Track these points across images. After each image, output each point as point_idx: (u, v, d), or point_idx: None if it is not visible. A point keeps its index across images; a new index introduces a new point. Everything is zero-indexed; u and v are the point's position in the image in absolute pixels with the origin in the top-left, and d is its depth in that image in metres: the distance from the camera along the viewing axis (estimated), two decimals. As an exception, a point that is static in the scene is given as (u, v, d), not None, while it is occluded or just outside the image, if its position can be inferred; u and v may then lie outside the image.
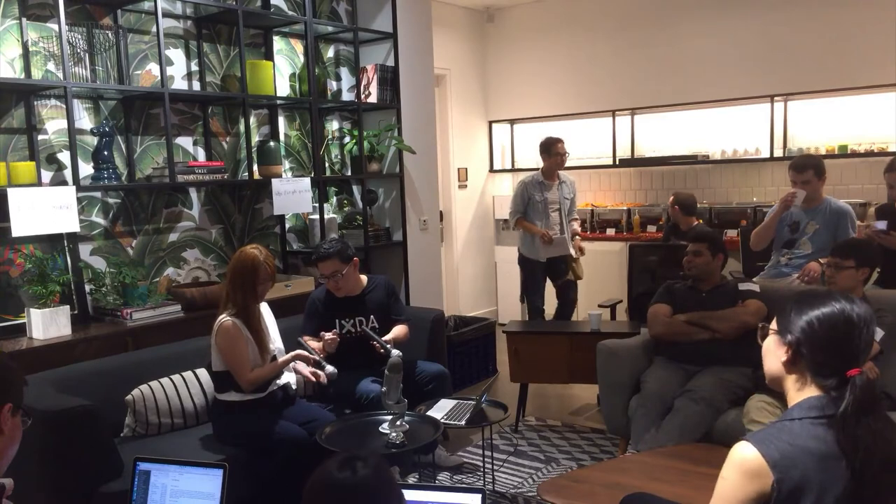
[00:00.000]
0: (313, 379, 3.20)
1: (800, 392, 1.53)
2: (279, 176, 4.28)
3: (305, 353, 3.23)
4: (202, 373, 3.35)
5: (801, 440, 1.43)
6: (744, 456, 1.43)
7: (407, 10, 4.94)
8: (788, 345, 1.53)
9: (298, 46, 4.71)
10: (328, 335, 3.41)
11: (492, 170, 7.36)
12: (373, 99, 4.80)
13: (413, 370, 3.61)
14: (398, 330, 3.64)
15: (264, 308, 3.31)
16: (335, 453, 1.52)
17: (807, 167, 4.00)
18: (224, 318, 3.09)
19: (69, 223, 3.29)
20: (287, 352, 3.29)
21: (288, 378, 3.29)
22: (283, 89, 4.59)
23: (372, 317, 3.65)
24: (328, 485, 1.40)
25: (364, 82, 4.84)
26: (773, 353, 1.58)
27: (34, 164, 3.38)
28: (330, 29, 4.71)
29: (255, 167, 4.29)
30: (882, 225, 3.79)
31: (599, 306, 5.04)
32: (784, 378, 1.56)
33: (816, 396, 1.50)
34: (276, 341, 3.28)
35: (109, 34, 3.67)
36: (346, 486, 1.39)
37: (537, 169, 5.18)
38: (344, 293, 3.64)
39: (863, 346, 1.51)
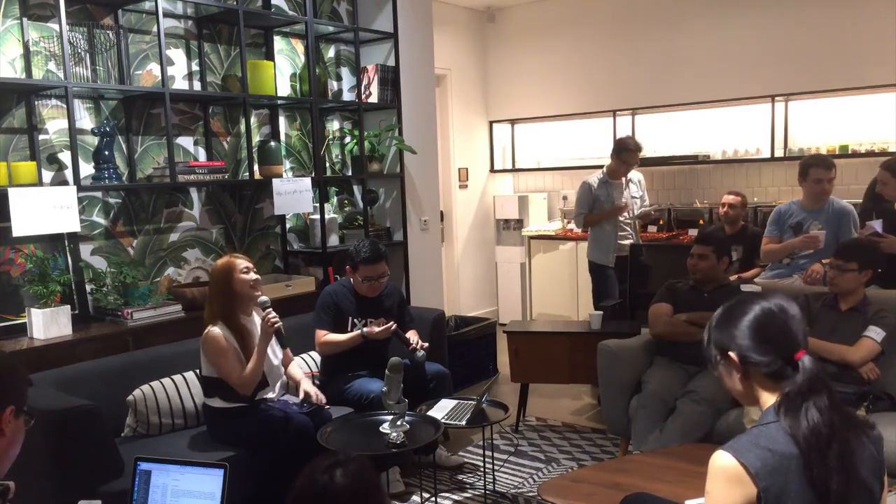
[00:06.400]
0: (313, 397, 3.22)
1: (767, 397, 1.55)
2: (280, 176, 4.28)
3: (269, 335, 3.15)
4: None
5: (780, 444, 1.43)
6: (723, 465, 1.44)
7: (407, 10, 4.94)
8: (734, 361, 1.56)
9: (299, 46, 4.71)
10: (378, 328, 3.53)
11: (492, 170, 7.36)
12: (373, 99, 4.80)
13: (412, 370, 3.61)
14: (415, 333, 3.71)
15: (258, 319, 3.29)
16: (326, 454, 1.52)
17: (833, 166, 3.98)
18: (210, 328, 3.09)
19: (70, 223, 3.29)
20: (287, 357, 3.36)
21: (276, 393, 3.28)
22: (284, 89, 4.60)
23: (382, 319, 3.65)
24: (310, 489, 1.42)
25: (365, 82, 4.84)
26: (729, 375, 1.60)
27: (35, 163, 3.39)
28: (331, 29, 4.71)
29: (256, 167, 4.29)
30: (878, 225, 3.78)
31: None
32: (749, 391, 1.58)
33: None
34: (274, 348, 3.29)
35: (110, 34, 3.67)
36: (326, 492, 1.40)
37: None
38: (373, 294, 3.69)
39: (795, 329, 1.54)
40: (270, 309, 3.13)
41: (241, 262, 3.16)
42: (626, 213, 5.08)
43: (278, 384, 3.28)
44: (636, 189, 5.13)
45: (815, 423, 1.43)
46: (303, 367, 3.71)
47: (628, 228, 5.10)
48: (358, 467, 1.44)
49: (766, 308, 1.56)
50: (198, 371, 3.30)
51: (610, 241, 5.01)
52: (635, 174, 5.20)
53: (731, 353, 1.57)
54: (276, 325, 3.08)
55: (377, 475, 1.51)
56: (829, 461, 1.42)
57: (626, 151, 4.96)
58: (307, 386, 3.32)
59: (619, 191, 5.03)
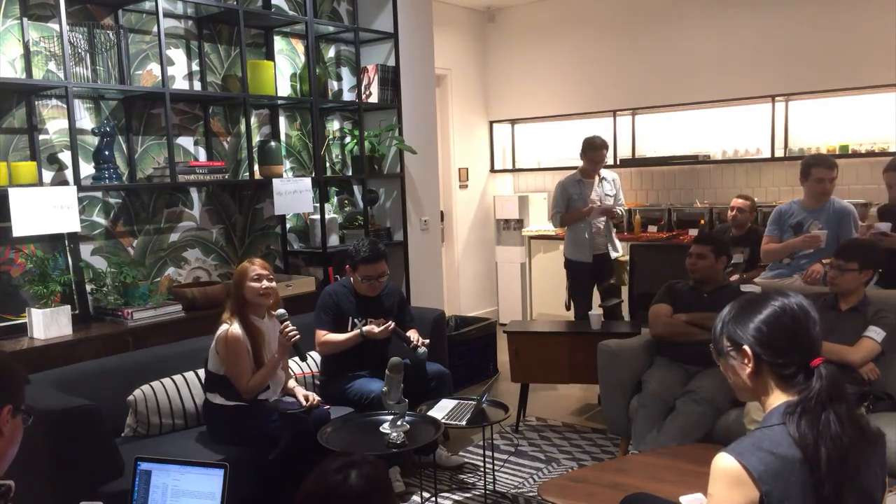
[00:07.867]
0: (304, 402, 3.22)
1: (773, 398, 1.53)
2: (280, 176, 4.28)
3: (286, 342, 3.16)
4: (203, 373, 3.35)
5: (783, 448, 1.42)
6: (725, 467, 1.43)
7: (408, 10, 4.95)
8: (748, 355, 1.53)
9: (299, 46, 4.71)
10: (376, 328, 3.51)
11: (493, 170, 7.36)
12: (373, 99, 4.80)
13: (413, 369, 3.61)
14: (416, 332, 3.69)
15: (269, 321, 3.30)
16: (333, 453, 1.51)
17: (835, 165, 3.98)
18: (230, 327, 3.10)
19: (70, 223, 3.29)
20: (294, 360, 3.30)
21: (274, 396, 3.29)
22: (284, 89, 4.60)
23: (381, 319, 3.65)
24: (321, 489, 1.41)
25: (365, 82, 4.84)
26: (737, 369, 1.57)
27: (35, 164, 3.39)
28: (331, 29, 4.71)
29: (256, 167, 4.29)
30: (885, 227, 3.77)
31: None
32: (754, 388, 1.56)
33: (790, 401, 1.49)
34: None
35: (110, 34, 3.67)
36: (338, 492, 1.40)
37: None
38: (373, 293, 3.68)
39: (815, 334, 1.53)
40: (288, 322, 3.16)
41: (254, 270, 3.17)
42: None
43: (279, 389, 3.29)
44: (609, 187, 5.15)
45: (836, 432, 1.41)
46: (303, 368, 3.72)
47: (600, 226, 5.09)
48: (372, 469, 1.43)
49: (790, 307, 1.52)
50: (200, 371, 3.30)
51: (583, 238, 5.06)
52: (609, 173, 5.22)
53: (746, 347, 1.53)
54: (293, 339, 3.12)
55: (389, 477, 1.50)
56: (840, 471, 1.40)
57: (590, 150, 5.05)
58: (303, 391, 3.37)
59: (590, 189, 5.09)
